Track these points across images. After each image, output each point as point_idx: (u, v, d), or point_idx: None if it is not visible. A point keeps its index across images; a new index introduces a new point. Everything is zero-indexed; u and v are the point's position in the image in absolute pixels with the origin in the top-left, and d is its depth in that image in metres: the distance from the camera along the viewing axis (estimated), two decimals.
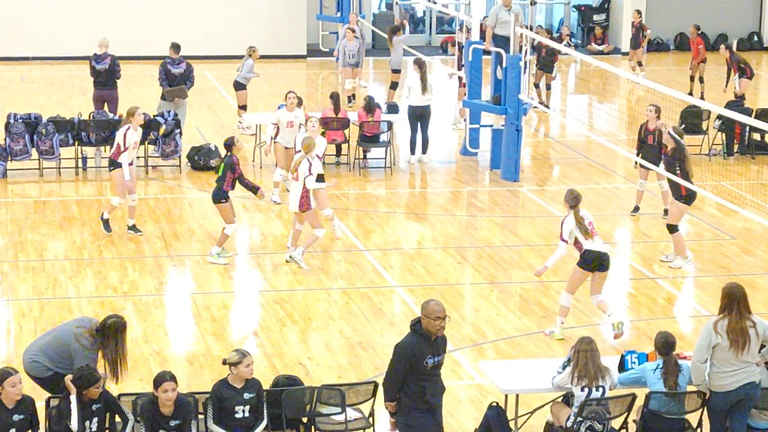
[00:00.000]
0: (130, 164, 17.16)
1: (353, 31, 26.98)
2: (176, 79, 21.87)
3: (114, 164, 17.02)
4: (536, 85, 26.67)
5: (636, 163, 18.36)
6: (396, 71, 26.58)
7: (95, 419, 10.01)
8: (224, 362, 10.43)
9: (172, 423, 10.09)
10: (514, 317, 14.55)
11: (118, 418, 10.23)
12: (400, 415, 9.75)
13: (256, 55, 23.88)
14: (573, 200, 13.60)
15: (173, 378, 10.11)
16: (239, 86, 23.90)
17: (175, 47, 22.16)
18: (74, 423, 9.89)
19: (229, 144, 16.09)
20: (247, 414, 10.32)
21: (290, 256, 16.14)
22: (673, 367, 10.56)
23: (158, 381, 10.08)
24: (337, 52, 27.59)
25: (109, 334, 10.54)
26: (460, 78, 24.42)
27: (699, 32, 28.99)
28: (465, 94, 22.62)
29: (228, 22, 32.73)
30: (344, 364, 13.08)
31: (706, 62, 28.67)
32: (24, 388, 10.00)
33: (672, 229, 16.29)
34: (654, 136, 17.83)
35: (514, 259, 16.71)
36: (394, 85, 26.54)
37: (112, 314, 10.85)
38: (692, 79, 28.45)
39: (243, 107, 24.06)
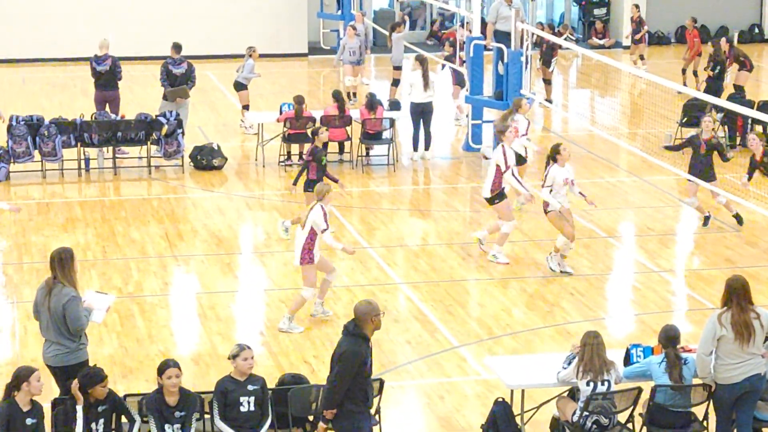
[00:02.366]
0: None
1: (354, 28, 27.00)
2: (177, 79, 21.88)
3: None
4: (545, 81, 26.66)
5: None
6: (397, 68, 26.59)
7: (101, 420, 10.03)
8: (229, 357, 10.48)
9: (177, 414, 10.12)
10: (519, 312, 14.56)
11: (124, 419, 10.25)
12: (344, 420, 9.67)
13: (256, 55, 23.91)
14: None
15: (177, 365, 10.19)
16: (240, 86, 23.89)
17: (177, 47, 22.18)
18: (79, 430, 9.96)
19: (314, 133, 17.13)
20: (252, 407, 10.33)
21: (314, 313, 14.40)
22: (674, 359, 10.56)
23: (162, 368, 10.16)
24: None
25: (54, 267, 10.65)
26: (456, 73, 24.36)
27: (695, 25, 29.00)
28: (467, 90, 22.55)
29: (229, 22, 32.74)
30: None
31: (701, 56, 28.70)
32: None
33: None
34: (707, 145, 17.60)
35: (519, 254, 16.70)
36: (395, 82, 26.54)
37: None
38: (684, 71, 28.42)
39: (246, 107, 24.07)
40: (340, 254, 16.57)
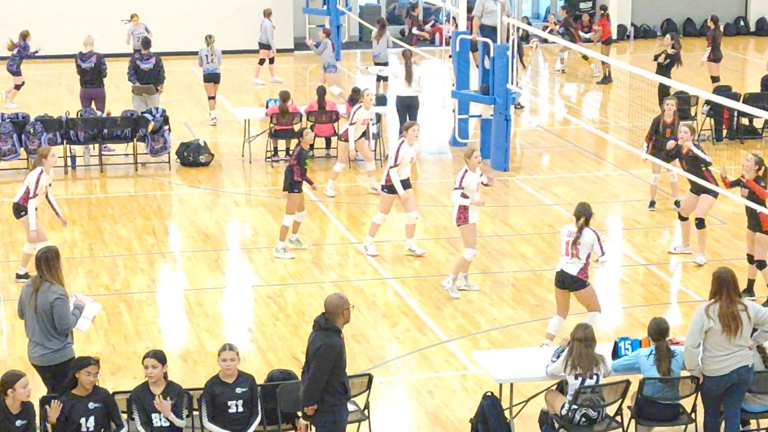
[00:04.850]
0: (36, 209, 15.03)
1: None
2: (146, 74, 21.86)
3: (21, 210, 14.90)
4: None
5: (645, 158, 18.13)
6: (383, 64, 26.54)
7: (92, 417, 10.01)
8: None
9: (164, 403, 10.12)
10: (507, 306, 14.57)
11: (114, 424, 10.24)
12: (324, 414, 9.67)
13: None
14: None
15: (156, 355, 10.20)
16: (219, 78, 24.04)
17: (146, 43, 22.32)
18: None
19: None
20: (240, 408, 10.33)
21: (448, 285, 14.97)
22: (665, 352, 10.59)
23: (144, 357, 10.22)
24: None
25: (41, 266, 10.67)
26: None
27: (603, 13, 29.57)
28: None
29: (215, 18, 32.68)
30: None
31: (610, 44, 29.22)
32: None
33: (701, 223, 15.88)
34: (672, 129, 17.64)
35: (506, 248, 16.72)
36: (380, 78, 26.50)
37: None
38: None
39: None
40: (328, 249, 16.60)
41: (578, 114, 25.97)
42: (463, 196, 14.43)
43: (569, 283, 12.61)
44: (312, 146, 21.33)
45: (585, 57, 29.61)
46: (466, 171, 14.47)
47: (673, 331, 11.59)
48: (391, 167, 16.00)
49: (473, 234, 14.67)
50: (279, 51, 33.21)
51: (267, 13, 28.58)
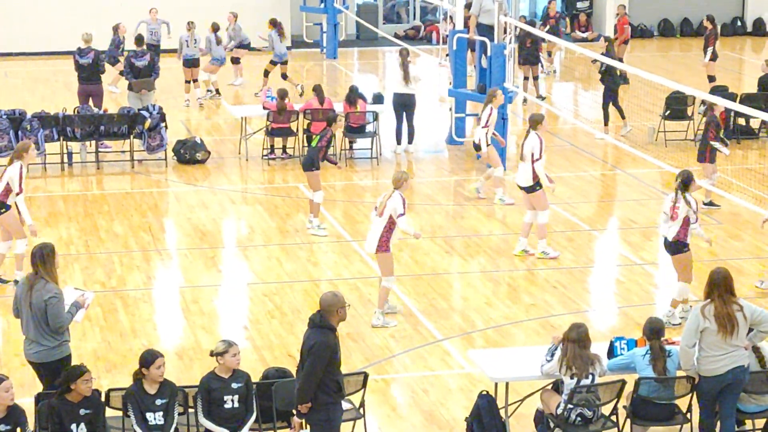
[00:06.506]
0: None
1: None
2: (141, 71, 21.91)
3: (1, 206, 14.52)
4: (532, 77, 26.41)
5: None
6: (284, 63, 26.56)
7: (82, 424, 9.98)
8: (212, 354, 10.46)
9: (158, 402, 10.13)
10: (502, 305, 14.57)
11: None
12: (318, 412, 9.67)
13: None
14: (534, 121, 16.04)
15: (162, 355, 10.23)
16: (198, 62, 25.40)
17: (138, 40, 22.62)
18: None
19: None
20: (236, 404, 10.34)
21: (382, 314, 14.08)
22: (659, 352, 10.60)
23: (149, 359, 10.15)
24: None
25: (36, 263, 10.64)
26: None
27: (625, 12, 29.38)
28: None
29: (212, 16, 32.60)
30: None
31: (628, 44, 29.03)
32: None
33: None
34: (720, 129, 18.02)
35: (502, 247, 16.72)
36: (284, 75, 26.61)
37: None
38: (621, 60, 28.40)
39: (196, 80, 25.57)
40: (325, 247, 16.61)
41: (575, 113, 25.96)
42: None
43: (667, 248, 13.65)
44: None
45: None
46: (403, 198, 13.83)
47: (669, 331, 11.61)
48: (536, 161, 15.83)
49: (392, 262, 14.02)
50: None
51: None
